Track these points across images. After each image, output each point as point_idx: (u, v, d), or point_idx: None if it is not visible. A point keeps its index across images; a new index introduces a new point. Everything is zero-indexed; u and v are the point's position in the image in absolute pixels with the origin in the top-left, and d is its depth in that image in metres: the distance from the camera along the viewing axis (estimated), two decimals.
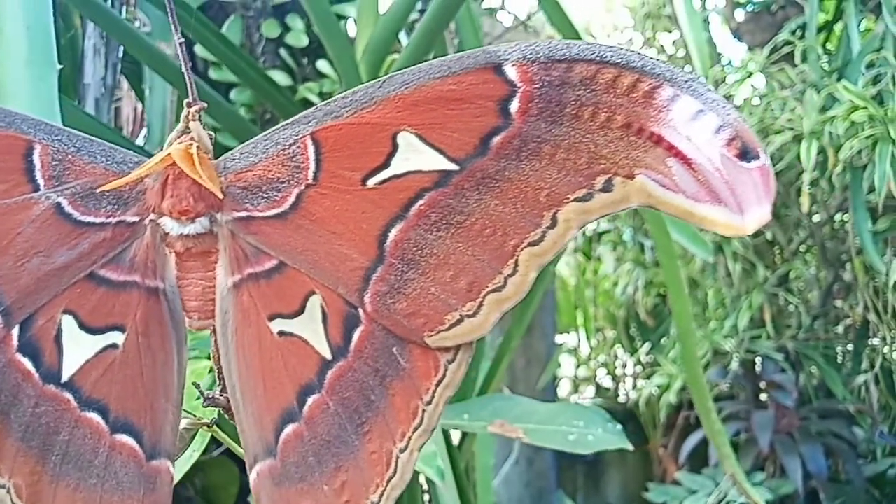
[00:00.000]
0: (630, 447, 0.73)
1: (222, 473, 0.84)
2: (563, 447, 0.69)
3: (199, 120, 0.30)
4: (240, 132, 0.79)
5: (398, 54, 0.88)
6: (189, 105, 0.30)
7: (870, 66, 2.11)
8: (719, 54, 2.61)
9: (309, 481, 0.31)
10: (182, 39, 0.32)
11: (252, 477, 0.31)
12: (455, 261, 0.29)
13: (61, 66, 0.54)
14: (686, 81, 0.26)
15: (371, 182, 0.29)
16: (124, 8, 1.02)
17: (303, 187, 0.29)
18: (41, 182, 0.27)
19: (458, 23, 0.97)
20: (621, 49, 0.27)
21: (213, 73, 0.93)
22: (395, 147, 0.28)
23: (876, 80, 2.09)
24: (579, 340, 3.02)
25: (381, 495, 0.30)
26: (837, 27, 2.38)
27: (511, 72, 0.27)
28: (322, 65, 0.94)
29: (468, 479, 1.00)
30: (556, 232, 0.28)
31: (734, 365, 2.38)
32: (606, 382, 2.98)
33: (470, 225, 0.29)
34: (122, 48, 1.09)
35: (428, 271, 0.29)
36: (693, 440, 2.44)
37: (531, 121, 0.27)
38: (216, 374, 0.34)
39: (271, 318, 0.30)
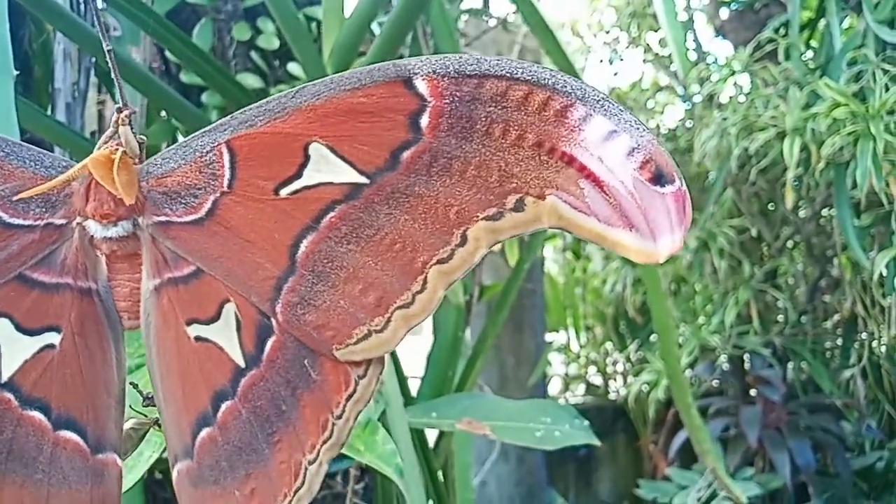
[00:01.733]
0: (597, 442, 0.73)
1: None
2: (530, 443, 0.70)
3: (130, 124, 0.31)
4: None
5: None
6: (119, 110, 0.30)
7: (852, 63, 2.12)
8: (704, 53, 2.61)
9: (221, 485, 0.31)
10: (111, 47, 0.32)
11: (174, 475, 0.32)
12: (364, 275, 0.29)
13: (17, 72, 0.54)
14: (599, 101, 0.26)
15: (283, 192, 0.29)
16: (93, 14, 1.02)
17: (218, 194, 0.29)
18: None
19: (433, 24, 0.97)
20: (533, 66, 0.26)
21: (184, 76, 0.94)
22: (307, 158, 0.28)
23: (858, 77, 2.09)
24: (569, 339, 3.03)
25: (290, 502, 0.31)
26: (820, 25, 2.39)
27: (421, 85, 0.27)
28: (293, 67, 0.94)
29: (447, 476, 1.00)
30: (466, 250, 0.28)
31: (722, 361, 2.39)
32: (596, 380, 2.98)
33: (380, 239, 0.29)
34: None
35: (337, 284, 0.29)
36: (683, 436, 2.44)
37: (441, 136, 0.27)
38: None
39: (189, 323, 0.30)
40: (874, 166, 1.87)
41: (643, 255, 0.25)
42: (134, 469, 0.55)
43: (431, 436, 0.93)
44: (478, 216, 0.28)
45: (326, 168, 0.28)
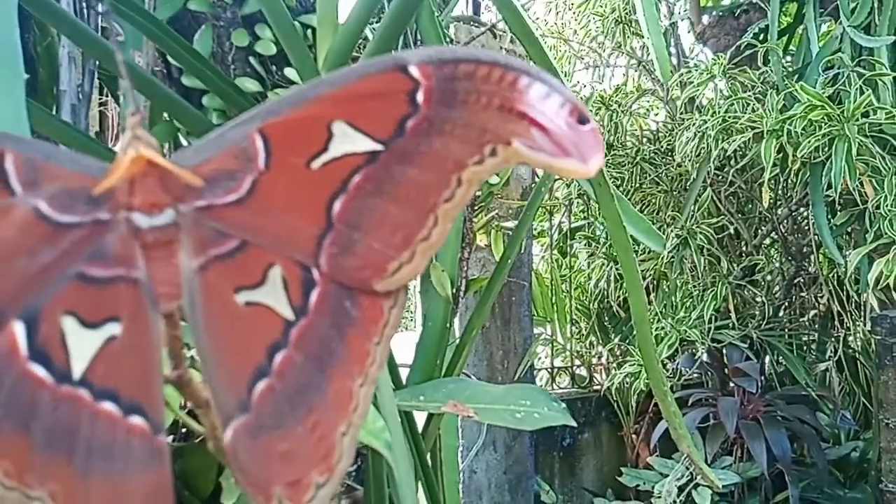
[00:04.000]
0: (573, 423, 0.79)
1: (201, 459, 0.87)
2: (511, 424, 0.75)
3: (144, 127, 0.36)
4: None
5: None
6: (133, 115, 0.34)
7: (828, 67, 2.18)
8: (685, 58, 2.67)
9: (284, 426, 0.35)
10: (124, 58, 0.37)
11: (228, 435, 0.35)
12: (390, 220, 0.35)
13: (28, 76, 0.56)
14: (537, 73, 0.33)
15: (314, 165, 0.34)
16: (98, 18, 1.06)
17: (256, 175, 0.34)
18: (17, 188, 0.31)
19: (422, 31, 1.03)
20: (491, 52, 0.34)
21: (185, 80, 0.98)
22: (331, 134, 0.34)
23: (833, 81, 2.15)
24: (555, 332, 3.09)
25: (348, 424, 0.36)
26: (798, 30, 2.44)
27: (414, 71, 0.33)
28: (290, 72, 0.99)
29: (435, 459, 1.05)
30: (462, 189, 0.35)
31: (702, 354, 2.45)
32: (581, 372, 3.04)
33: (398, 191, 0.35)
34: None
35: (369, 231, 0.35)
36: (664, 426, 2.51)
37: (433, 107, 0.34)
38: (169, 355, 0.37)
39: (236, 291, 0.35)
40: (848, 167, 1.93)
41: (580, 173, 0.32)
42: None
43: (420, 423, 0.97)
44: (467, 163, 0.34)
45: (348, 141, 0.34)
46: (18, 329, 0.32)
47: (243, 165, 0.34)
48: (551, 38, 3.09)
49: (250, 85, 0.98)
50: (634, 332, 2.70)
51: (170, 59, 0.99)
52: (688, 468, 2.48)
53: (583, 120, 0.33)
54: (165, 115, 1.04)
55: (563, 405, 0.79)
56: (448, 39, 1.31)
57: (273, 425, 0.36)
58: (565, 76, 3.01)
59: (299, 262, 0.36)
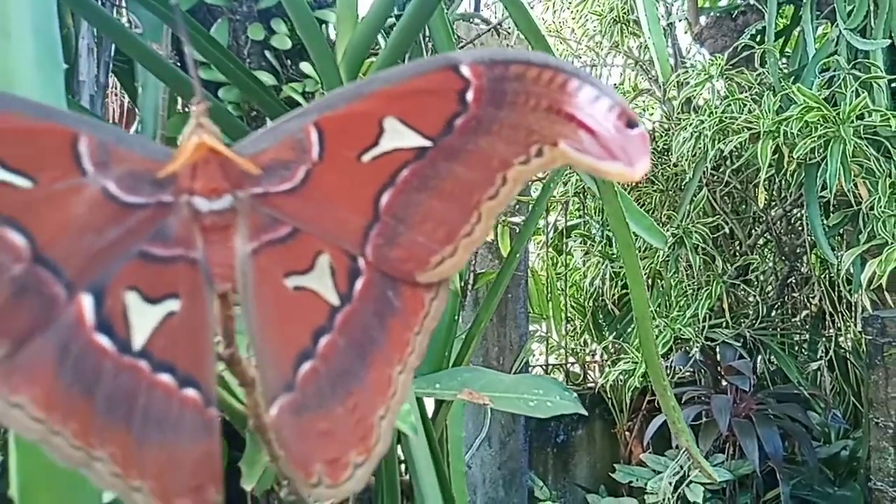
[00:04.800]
0: (584, 412, 0.81)
1: None
2: (524, 412, 0.77)
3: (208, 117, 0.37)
4: (229, 128, 0.85)
5: (375, 56, 0.96)
6: (198, 104, 0.35)
7: (825, 69, 2.21)
8: (683, 58, 2.70)
9: (325, 406, 0.37)
10: (194, 55, 0.39)
11: (273, 412, 0.37)
12: (434, 215, 0.36)
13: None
14: (587, 76, 0.34)
15: (365, 158, 0.36)
16: (115, 10, 1.07)
17: (310, 166, 0.36)
18: (89, 168, 0.33)
19: (432, 28, 1.04)
20: (542, 55, 0.35)
21: (202, 73, 0.99)
22: (382, 130, 0.35)
23: (829, 83, 2.18)
24: (550, 329, 3.11)
25: (387, 408, 0.37)
26: (795, 32, 2.47)
27: (465, 71, 0.34)
28: (305, 66, 1.01)
29: (442, 448, 1.07)
30: (507, 188, 0.36)
31: (695, 352, 2.48)
32: (576, 369, 3.07)
33: (443, 187, 0.36)
34: (112, 47, 1.15)
35: (414, 225, 0.36)
36: (657, 423, 2.53)
37: (482, 106, 0.35)
38: (222, 333, 0.38)
39: (286, 276, 0.37)
40: (843, 168, 1.95)
41: (626, 177, 0.33)
42: None
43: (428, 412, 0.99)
44: (513, 162, 0.35)
45: (398, 136, 0.35)
46: (86, 301, 0.34)
47: (298, 156, 0.36)
48: (549, 37, 3.09)
49: (266, 78, 0.99)
50: (629, 330, 2.73)
51: (186, 52, 1.00)
52: (681, 466, 2.50)
53: (631, 124, 0.34)
54: (180, 107, 1.05)
55: (574, 394, 0.81)
56: (456, 37, 1.33)
57: (315, 405, 0.38)
58: None
59: (346, 250, 0.37)
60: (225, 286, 0.37)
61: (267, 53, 1.01)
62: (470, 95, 0.35)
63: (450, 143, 0.36)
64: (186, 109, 1.02)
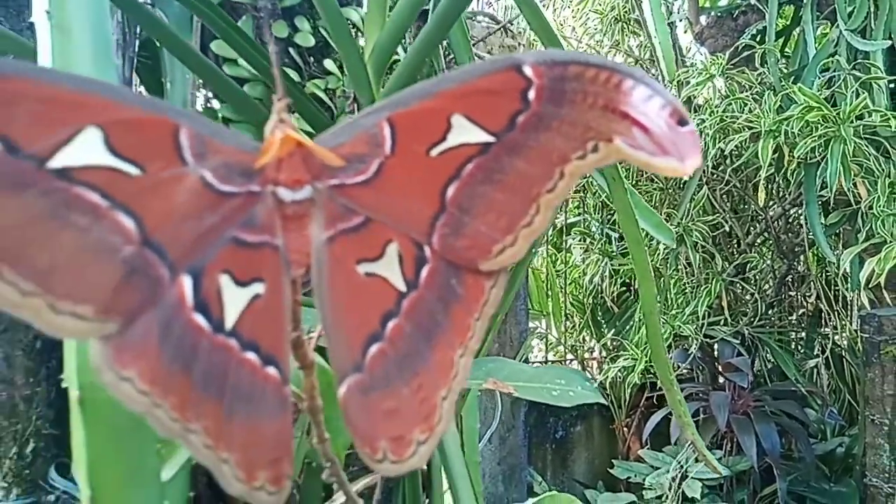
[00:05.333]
0: (602, 400, 0.83)
1: None
2: (548, 401, 0.80)
3: (289, 112, 0.39)
4: (259, 123, 0.87)
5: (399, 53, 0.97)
6: (279, 100, 0.37)
7: (825, 69, 2.23)
8: (683, 57, 2.72)
9: (392, 386, 0.39)
10: (277, 49, 0.41)
11: (342, 391, 0.39)
12: (497, 206, 0.38)
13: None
14: (641, 76, 0.36)
15: (433, 152, 0.38)
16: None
17: (382, 159, 0.38)
18: (190, 159, 0.35)
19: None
20: (599, 56, 0.38)
21: (227, 69, 1.01)
22: (449, 126, 0.37)
23: (829, 83, 2.20)
24: (549, 326, 3.13)
25: (448, 389, 0.40)
26: (795, 32, 2.49)
27: (528, 71, 0.36)
28: (328, 63, 1.03)
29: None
30: (564, 182, 0.38)
31: (694, 348, 2.50)
32: (574, 366, 3.09)
33: (505, 180, 0.38)
34: (136, 43, 1.17)
35: (478, 215, 0.39)
36: (655, 420, 2.55)
37: (543, 104, 0.37)
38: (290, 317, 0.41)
39: (358, 263, 0.39)
40: (843, 168, 1.97)
41: (677, 172, 0.35)
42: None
43: None
44: (570, 158, 0.38)
45: (464, 132, 0.37)
46: (186, 282, 0.36)
47: (372, 150, 0.38)
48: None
49: (290, 74, 1.01)
50: (628, 327, 2.76)
51: (212, 47, 1.02)
52: (679, 462, 2.53)
53: (682, 121, 0.36)
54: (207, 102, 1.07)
55: (594, 384, 0.83)
56: (470, 37, 1.35)
57: (382, 385, 0.40)
58: None
59: (414, 239, 0.40)
60: (299, 272, 0.39)
61: (290, 50, 1.03)
62: (532, 94, 0.37)
63: (512, 138, 0.38)
64: (209, 105, 1.04)
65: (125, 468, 0.49)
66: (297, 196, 0.38)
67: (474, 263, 0.40)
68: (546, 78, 0.37)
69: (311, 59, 1.04)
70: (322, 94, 1.02)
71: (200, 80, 0.95)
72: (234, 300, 0.37)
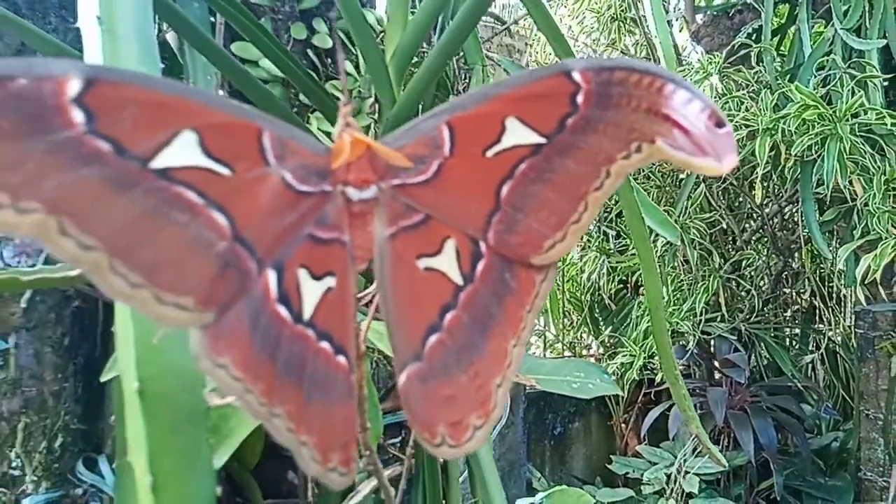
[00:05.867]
0: (619, 391, 0.86)
1: (249, 432, 0.91)
2: (568, 393, 0.82)
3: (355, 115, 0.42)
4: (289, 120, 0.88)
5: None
6: (345, 105, 0.40)
7: (820, 68, 2.25)
8: (679, 57, 2.74)
9: (449, 375, 0.41)
10: (344, 57, 0.43)
11: (402, 379, 0.41)
12: (547, 204, 0.41)
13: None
14: (681, 81, 0.38)
15: (489, 153, 0.40)
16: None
17: (441, 160, 0.40)
18: (272, 160, 0.37)
19: None
20: (643, 62, 0.39)
21: (248, 69, 1.02)
22: (503, 128, 0.39)
23: (825, 82, 2.23)
24: (547, 324, 3.16)
25: (503, 377, 0.42)
26: (791, 31, 2.51)
27: (577, 76, 0.38)
28: (346, 65, 1.04)
29: None
30: (610, 181, 0.40)
31: (692, 345, 2.53)
32: None
33: (556, 179, 0.40)
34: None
35: (530, 213, 0.41)
36: (653, 416, 2.58)
37: (591, 108, 0.39)
38: None
39: (418, 258, 0.41)
40: (840, 165, 2.00)
41: (715, 171, 0.37)
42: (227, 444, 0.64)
43: None
44: (616, 157, 0.39)
45: (518, 134, 0.39)
46: (271, 276, 0.38)
47: (432, 152, 0.40)
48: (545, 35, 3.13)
49: (312, 76, 1.03)
50: (626, 324, 2.78)
51: (232, 48, 1.03)
52: (676, 457, 2.56)
53: (720, 124, 0.37)
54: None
55: (612, 377, 0.85)
56: (479, 38, 1.37)
57: (440, 373, 0.42)
58: None
59: (471, 236, 0.42)
60: (362, 267, 0.42)
61: (308, 52, 1.05)
62: (580, 98, 0.39)
63: (562, 140, 0.40)
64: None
65: (181, 456, 0.51)
66: (364, 195, 0.40)
67: (526, 258, 0.42)
68: (594, 83, 0.39)
69: (329, 60, 1.06)
70: (340, 95, 1.04)
71: (222, 83, 0.97)
72: (311, 293, 0.39)
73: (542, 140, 0.40)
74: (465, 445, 0.43)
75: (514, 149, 0.40)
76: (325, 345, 0.40)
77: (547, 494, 1.47)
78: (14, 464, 0.90)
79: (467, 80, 1.26)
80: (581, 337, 3.11)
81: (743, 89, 2.31)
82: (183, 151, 0.34)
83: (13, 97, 0.30)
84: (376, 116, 0.98)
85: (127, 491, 0.74)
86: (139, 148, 0.33)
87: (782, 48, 2.58)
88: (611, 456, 2.75)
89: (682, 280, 2.62)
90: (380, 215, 0.41)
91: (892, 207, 2.01)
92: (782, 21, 2.59)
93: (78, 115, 0.31)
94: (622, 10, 2.79)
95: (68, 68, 0.31)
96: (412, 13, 0.95)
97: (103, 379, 0.67)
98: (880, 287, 2.21)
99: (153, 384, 0.49)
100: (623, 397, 2.79)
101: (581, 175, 0.40)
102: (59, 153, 0.31)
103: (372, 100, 0.99)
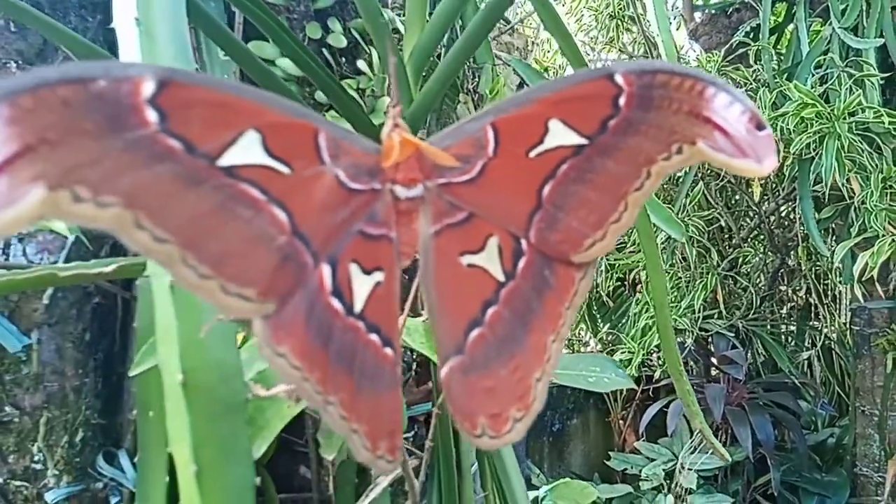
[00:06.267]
0: (632, 385, 0.88)
1: None
2: (585, 386, 0.84)
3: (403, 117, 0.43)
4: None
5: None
6: (394, 106, 0.41)
7: (818, 66, 2.27)
8: (677, 56, 2.75)
9: (490, 368, 0.42)
10: (395, 59, 0.44)
11: (444, 371, 0.42)
12: (588, 203, 0.42)
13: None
14: (722, 84, 0.39)
15: (532, 154, 0.41)
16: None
17: (486, 160, 0.41)
18: (327, 159, 0.38)
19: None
20: (684, 66, 0.41)
21: (269, 68, 1.03)
22: (546, 130, 0.40)
23: (823, 80, 2.24)
24: None
25: (542, 371, 0.43)
26: (788, 30, 2.53)
27: (619, 79, 0.39)
28: (360, 64, 1.06)
29: None
30: (650, 181, 0.41)
31: (690, 342, 2.55)
32: None
33: (597, 180, 0.41)
34: None
35: (571, 212, 0.42)
36: (651, 412, 2.61)
37: (632, 110, 0.40)
38: None
39: (461, 255, 0.42)
40: (838, 164, 2.02)
41: (755, 172, 0.38)
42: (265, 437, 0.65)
43: None
44: (656, 159, 0.40)
45: (560, 135, 0.40)
46: (326, 269, 0.39)
47: (476, 152, 0.41)
48: (544, 32, 3.17)
49: (332, 75, 1.04)
50: (623, 321, 2.80)
51: (250, 47, 1.04)
52: (674, 454, 2.58)
53: (760, 126, 0.38)
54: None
55: (627, 372, 0.87)
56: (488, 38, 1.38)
57: (481, 366, 0.43)
58: (561, 69, 3.10)
59: (513, 233, 0.43)
60: (407, 262, 0.43)
61: (323, 51, 1.06)
62: (622, 100, 0.40)
63: (604, 141, 0.41)
64: None
65: (222, 446, 0.52)
66: (411, 193, 0.41)
67: (566, 256, 0.43)
68: (636, 86, 0.39)
69: (343, 59, 1.07)
70: (354, 94, 1.05)
71: (240, 81, 0.98)
72: (361, 287, 0.40)
73: (584, 141, 0.41)
74: (506, 437, 0.44)
75: (557, 149, 0.41)
76: (374, 337, 0.41)
77: (551, 487, 1.49)
78: (36, 458, 0.91)
79: (476, 80, 1.27)
80: (579, 334, 3.12)
81: (741, 88, 2.32)
82: (247, 150, 0.35)
83: (94, 98, 0.31)
84: None
85: (149, 484, 0.76)
86: (207, 146, 0.34)
87: (780, 47, 2.59)
88: (609, 452, 2.77)
89: (680, 277, 2.63)
90: (425, 213, 0.42)
91: (889, 205, 2.03)
92: (780, 19, 2.60)
93: (152, 115, 0.32)
94: (620, 9, 2.80)
95: (143, 70, 0.32)
96: (429, 16, 0.96)
97: (132, 373, 0.68)
98: (877, 284, 2.23)
99: (195, 376, 0.50)
100: (621, 394, 2.80)
101: (622, 175, 0.41)
102: (135, 151, 0.32)
103: (387, 99, 1.00)
